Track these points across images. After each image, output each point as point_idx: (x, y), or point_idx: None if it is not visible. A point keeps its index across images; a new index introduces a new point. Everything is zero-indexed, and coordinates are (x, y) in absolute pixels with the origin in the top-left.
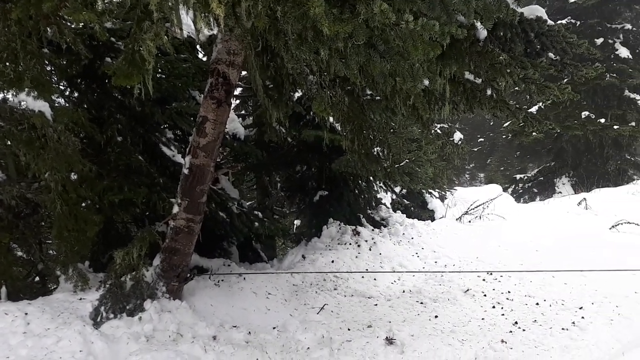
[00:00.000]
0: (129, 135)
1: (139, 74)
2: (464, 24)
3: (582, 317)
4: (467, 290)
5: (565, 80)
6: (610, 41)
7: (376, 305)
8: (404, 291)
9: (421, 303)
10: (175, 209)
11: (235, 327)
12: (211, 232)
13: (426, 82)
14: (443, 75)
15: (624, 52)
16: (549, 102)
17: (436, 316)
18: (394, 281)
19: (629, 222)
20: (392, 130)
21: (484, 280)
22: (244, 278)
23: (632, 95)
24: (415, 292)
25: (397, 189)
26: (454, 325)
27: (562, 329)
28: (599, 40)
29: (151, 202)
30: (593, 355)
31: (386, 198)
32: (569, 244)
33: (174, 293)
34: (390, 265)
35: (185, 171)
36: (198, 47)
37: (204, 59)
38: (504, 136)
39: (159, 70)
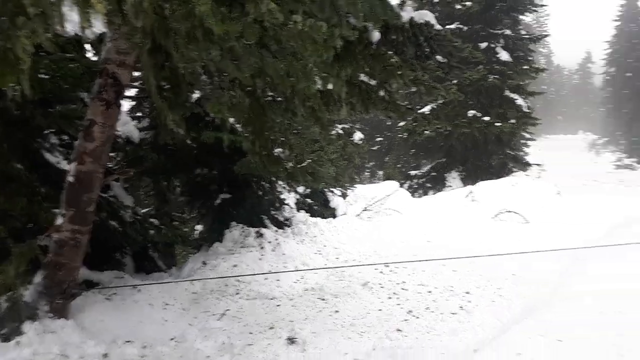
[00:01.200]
0: (5, 141)
1: (13, 74)
2: (356, 27)
3: (469, 301)
4: (366, 283)
5: (454, 81)
6: (492, 45)
7: (279, 305)
8: (306, 289)
9: (323, 299)
10: (60, 220)
11: (129, 342)
12: (102, 243)
13: (319, 83)
14: (340, 76)
15: (504, 56)
16: (439, 101)
17: (337, 311)
18: (297, 280)
19: (509, 211)
20: (295, 131)
21: (381, 272)
22: (139, 290)
23: (511, 95)
24: (317, 289)
25: (301, 189)
26: (353, 318)
27: (452, 313)
28: (483, 45)
29: (32, 213)
30: (478, 336)
31: (290, 198)
32: (458, 234)
33: (59, 311)
34: (293, 265)
35: (70, 179)
36: (87, 45)
37: (96, 58)
38: (400, 135)
39: (42, 70)
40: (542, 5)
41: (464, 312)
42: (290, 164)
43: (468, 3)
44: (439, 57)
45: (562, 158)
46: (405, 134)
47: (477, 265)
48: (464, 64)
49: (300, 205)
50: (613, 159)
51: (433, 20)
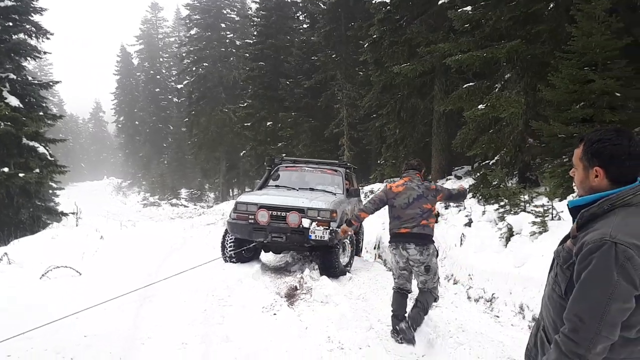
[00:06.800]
0: None
1: None
2: None
3: None
4: None
5: None
6: None
7: None
8: None
9: None
10: None
11: None
12: None
13: None
14: None
15: (14, 101)
16: None
17: None
18: None
19: (57, 267)
20: None
21: None
22: None
23: (31, 143)
24: None
25: None
26: None
27: None
28: None
29: None
30: None
31: None
32: (10, 310)
33: None
34: None
35: None
36: None
37: None
38: None
39: None
40: (46, 52)
41: None
42: None
43: None
44: None
45: (95, 203)
46: None
47: (38, 339)
48: None
49: None
50: (139, 198)
51: None
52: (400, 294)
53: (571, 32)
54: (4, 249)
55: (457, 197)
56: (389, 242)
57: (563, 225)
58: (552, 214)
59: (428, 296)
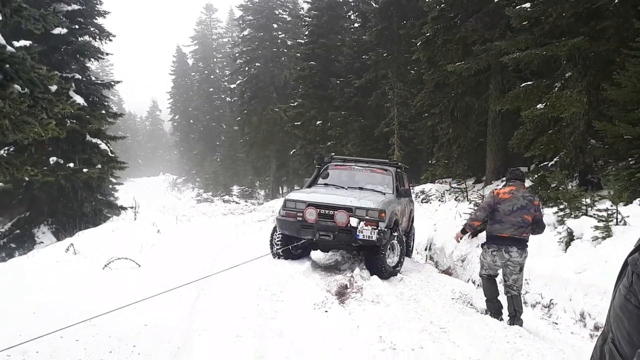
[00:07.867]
0: None
1: None
2: None
3: None
4: None
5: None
6: (64, 90)
7: None
8: None
9: None
10: None
11: None
12: None
13: None
14: None
15: (79, 100)
16: (10, 148)
17: None
18: None
19: (119, 258)
20: None
21: None
22: None
23: (94, 140)
24: None
25: None
26: None
27: None
28: (53, 88)
29: None
30: None
31: None
32: (68, 295)
33: None
34: None
35: None
36: None
37: None
38: None
39: None
40: (108, 54)
41: None
42: None
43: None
44: (17, 87)
45: (151, 198)
46: None
47: (102, 326)
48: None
49: None
50: (193, 194)
51: (2, 40)
52: (491, 280)
53: (639, 29)
54: (70, 239)
55: (540, 227)
56: (489, 243)
57: (629, 231)
58: (616, 219)
59: (518, 301)
